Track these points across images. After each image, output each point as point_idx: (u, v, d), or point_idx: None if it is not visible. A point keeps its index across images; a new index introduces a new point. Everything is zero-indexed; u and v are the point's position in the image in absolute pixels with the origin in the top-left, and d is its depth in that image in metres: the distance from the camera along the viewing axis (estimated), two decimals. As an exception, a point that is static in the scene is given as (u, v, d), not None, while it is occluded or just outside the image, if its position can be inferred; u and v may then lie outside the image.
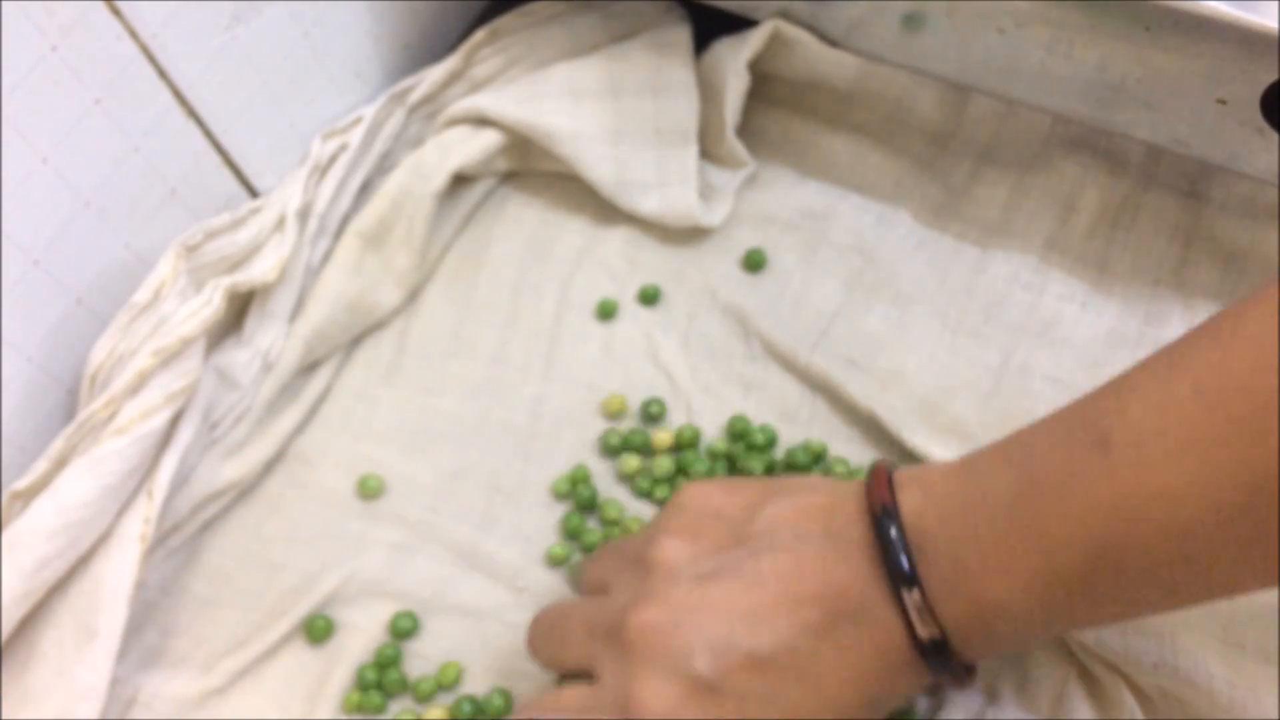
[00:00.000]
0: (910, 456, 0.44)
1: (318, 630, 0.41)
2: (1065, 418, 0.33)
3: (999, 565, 0.32)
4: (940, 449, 0.43)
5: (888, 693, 0.34)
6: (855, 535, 0.34)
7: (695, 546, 0.36)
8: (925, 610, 0.33)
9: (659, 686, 0.33)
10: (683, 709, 0.33)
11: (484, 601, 0.42)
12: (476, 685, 0.41)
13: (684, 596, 0.34)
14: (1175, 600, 0.32)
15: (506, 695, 0.40)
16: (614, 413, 0.46)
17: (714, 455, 0.45)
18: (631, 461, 0.45)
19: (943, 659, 0.33)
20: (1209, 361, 0.30)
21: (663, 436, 0.45)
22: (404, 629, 0.41)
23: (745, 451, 0.45)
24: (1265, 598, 0.41)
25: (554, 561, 0.43)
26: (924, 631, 0.33)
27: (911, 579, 0.33)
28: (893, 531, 0.33)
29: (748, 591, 0.34)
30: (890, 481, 0.35)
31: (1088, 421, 0.32)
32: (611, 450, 0.45)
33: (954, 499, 0.34)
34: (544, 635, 0.38)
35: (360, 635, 0.41)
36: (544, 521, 0.44)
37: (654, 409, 0.46)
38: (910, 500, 0.34)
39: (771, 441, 0.45)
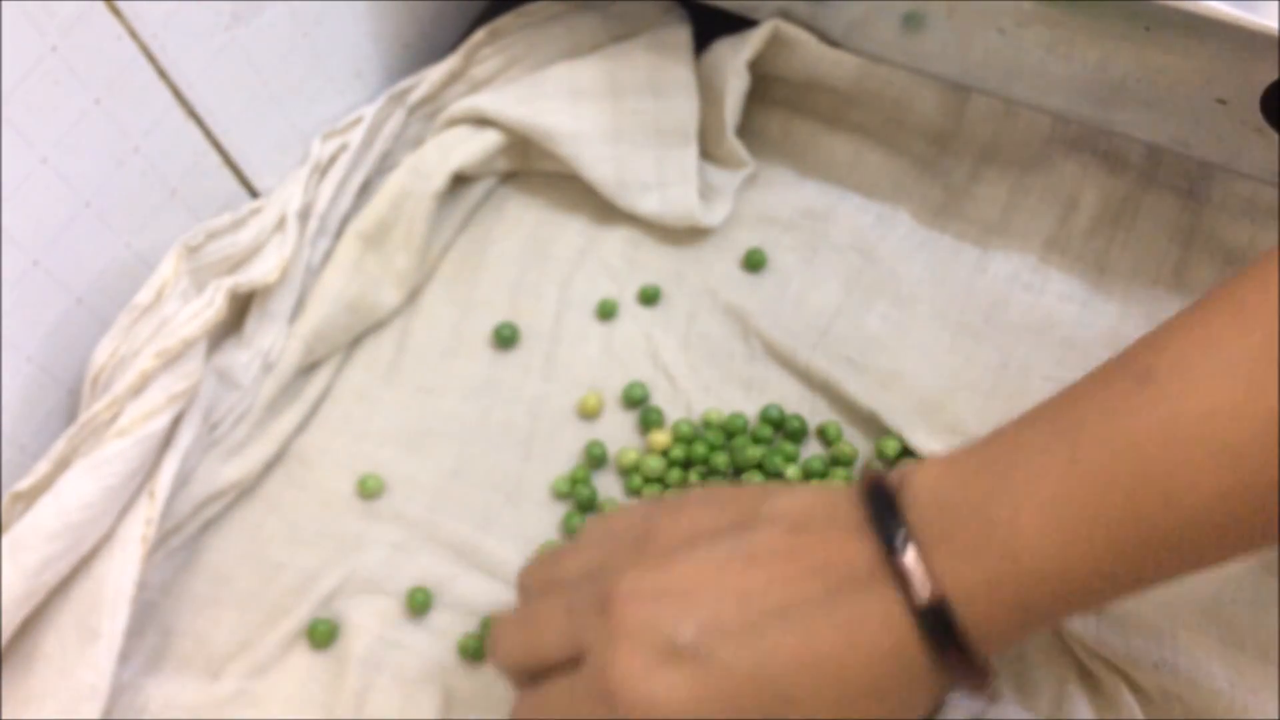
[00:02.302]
0: (910, 456, 0.44)
1: (320, 635, 0.41)
2: (1096, 372, 0.32)
3: (1034, 513, 0.30)
4: (940, 448, 0.43)
5: (893, 680, 0.31)
6: (859, 518, 0.32)
7: (694, 526, 0.34)
8: (923, 573, 0.30)
9: (641, 656, 0.31)
10: (662, 677, 0.31)
11: (483, 600, 0.42)
12: (478, 679, 0.41)
13: (678, 567, 0.33)
14: (1224, 546, 0.30)
15: None
16: (591, 412, 0.46)
17: (710, 431, 0.45)
18: (629, 454, 0.45)
19: (950, 638, 0.30)
20: (1242, 297, 0.30)
21: (659, 438, 0.45)
22: (420, 602, 0.42)
23: (749, 442, 0.45)
24: (1265, 597, 0.41)
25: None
26: (923, 592, 0.30)
27: (893, 535, 0.31)
28: (881, 491, 0.32)
29: (745, 565, 0.32)
30: (893, 467, 0.33)
31: (1124, 364, 0.31)
32: (596, 462, 0.45)
33: (979, 459, 0.32)
34: (515, 630, 0.35)
35: (362, 634, 0.41)
36: (544, 521, 0.44)
37: (636, 392, 0.46)
38: (930, 470, 0.32)
39: (785, 427, 0.45)
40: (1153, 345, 0.31)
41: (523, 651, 0.35)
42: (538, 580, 0.36)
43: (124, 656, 0.39)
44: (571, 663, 0.33)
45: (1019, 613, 0.30)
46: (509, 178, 0.52)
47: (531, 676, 0.35)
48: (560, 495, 0.44)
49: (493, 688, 0.41)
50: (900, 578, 0.30)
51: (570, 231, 0.51)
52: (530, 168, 0.52)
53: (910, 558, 0.30)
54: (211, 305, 0.42)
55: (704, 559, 0.33)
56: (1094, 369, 0.32)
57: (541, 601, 0.35)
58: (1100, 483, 0.30)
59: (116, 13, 0.39)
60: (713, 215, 0.50)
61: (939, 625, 0.30)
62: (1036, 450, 0.31)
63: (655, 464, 0.44)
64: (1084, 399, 0.31)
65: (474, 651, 0.41)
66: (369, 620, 0.42)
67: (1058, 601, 0.31)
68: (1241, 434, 0.29)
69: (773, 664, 0.31)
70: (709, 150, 0.51)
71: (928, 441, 0.44)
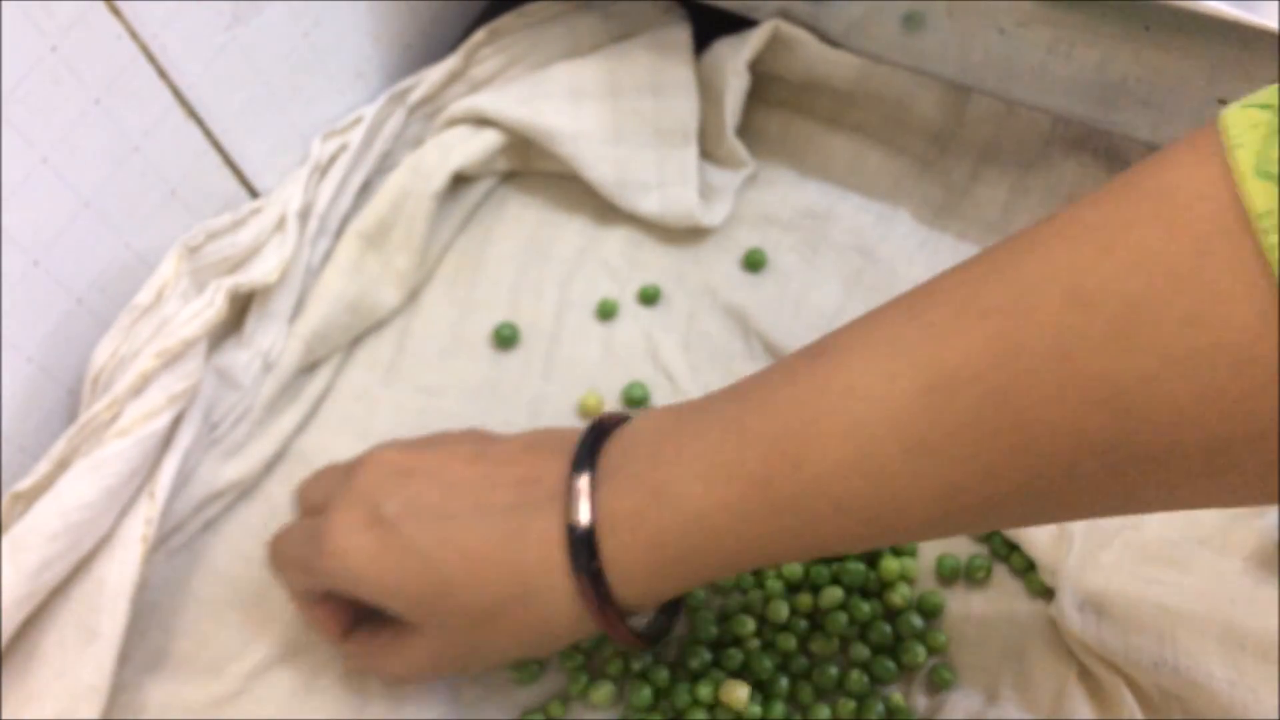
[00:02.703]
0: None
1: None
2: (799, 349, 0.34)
3: (691, 460, 0.32)
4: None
5: (539, 595, 0.34)
6: (573, 447, 0.35)
7: (459, 435, 0.38)
8: (588, 500, 0.33)
9: (354, 515, 0.35)
10: (359, 536, 0.34)
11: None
12: (478, 679, 0.41)
13: (420, 452, 0.36)
14: (844, 525, 0.32)
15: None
16: (591, 411, 0.46)
17: None
18: None
19: (591, 567, 0.33)
20: (921, 289, 0.32)
21: None
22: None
23: None
24: (1265, 597, 0.41)
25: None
26: (579, 516, 0.33)
27: (580, 462, 0.34)
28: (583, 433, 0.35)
29: (469, 462, 0.36)
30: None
31: (815, 343, 0.33)
32: None
33: (679, 411, 0.34)
34: (309, 478, 0.39)
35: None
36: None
37: (635, 392, 0.46)
38: (644, 417, 0.35)
39: None
40: (842, 328, 0.33)
41: (299, 500, 0.39)
42: (304, 498, 0.40)
43: (124, 656, 0.39)
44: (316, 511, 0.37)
45: (655, 550, 0.33)
46: (509, 178, 0.52)
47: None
48: None
49: (495, 687, 0.41)
50: (567, 498, 0.33)
51: (570, 231, 0.51)
52: (530, 168, 0.52)
53: (581, 483, 0.33)
54: (212, 305, 0.42)
55: (442, 450, 0.37)
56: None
57: (332, 466, 0.39)
58: (747, 440, 0.32)
59: (116, 13, 0.39)
60: (713, 215, 0.50)
61: (584, 551, 0.33)
62: (719, 408, 0.33)
63: None
64: (774, 370, 0.34)
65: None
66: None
67: (694, 550, 0.33)
68: (871, 412, 0.30)
69: (443, 550, 0.34)
70: (709, 150, 0.51)
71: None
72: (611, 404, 0.47)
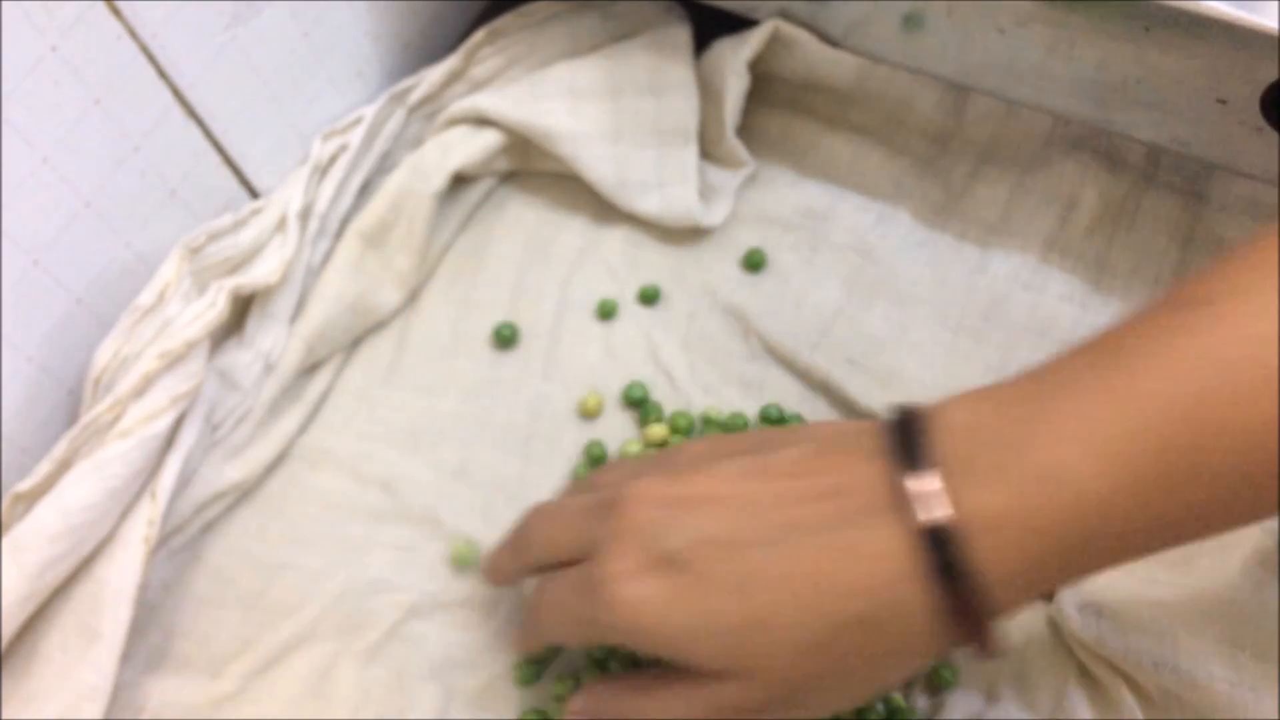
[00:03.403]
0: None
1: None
2: (1138, 310, 0.29)
3: (1076, 439, 0.28)
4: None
5: (885, 616, 0.29)
6: (884, 444, 0.30)
7: (717, 448, 0.34)
8: (942, 496, 0.28)
9: (631, 559, 0.31)
10: (643, 582, 0.31)
11: (487, 599, 0.42)
12: (478, 679, 0.41)
13: (691, 477, 0.32)
14: (1273, 490, 0.27)
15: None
16: (591, 412, 0.46)
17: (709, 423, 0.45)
18: (632, 445, 0.45)
19: (956, 573, 0.28)
20: None
21: (656, 430, 0.45)
22: (465, 556, 0.43)
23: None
24: (1265, 597, 0.41)
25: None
26: (937, 514, 0.28)
27: (915, 458, 0.29)
28: (903, 420, 0.30)
29: (756, 478, 0.31)
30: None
31: (1175, 295, 0.29)
32: (596, 461, 0.45)
33: (1015, 390, 0.30)
34: (540, 519, 0.37)
35: (362, 634, 0.41)
36: (545, 521, 0.44)
37: (635, 392, 0.46)
38: (962, 403, 0.30)
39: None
40: (1207, 276, 0.29)
41: (543, 536, 0.35)
42: (588, 483, 0.38)
43: (125, 656, 0.39)
44: (577, 558, 0.34)
45: (1039, 545, 0.28)
46: (509, 177, 0.52)
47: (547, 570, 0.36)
48: None
49: (493, 687, 0.41)
50: (911, 501, 0.28)
51: (570, 231, 0.51)
52: (530, 167, 0.52)
53: (927, 480, 0.28)
54: (214, 306, 0.42)
55: (717, 471, 0.32)
56: (1132, 311, 0.30)
57: (573, 498, 0.36)
58: (1151, 407, 0.27)
59: (116, 13, 0.39)
60: (713, 216, 0.50)
61: (945, 557, 0.28)
62: (1082, 377, 0.29)
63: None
64: (1132, 330, 0.29)
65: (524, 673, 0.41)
66: (368, 620, 0.42)
67: (1088, 540, 0.28)
68: None
69: (756, 582, 0.30)
70: (709, 150, 0.51)
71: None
72: (612, 404, 0.47)
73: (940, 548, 0.28)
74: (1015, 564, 0.28)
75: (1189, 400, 0.27)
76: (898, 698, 0.40)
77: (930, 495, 0.28)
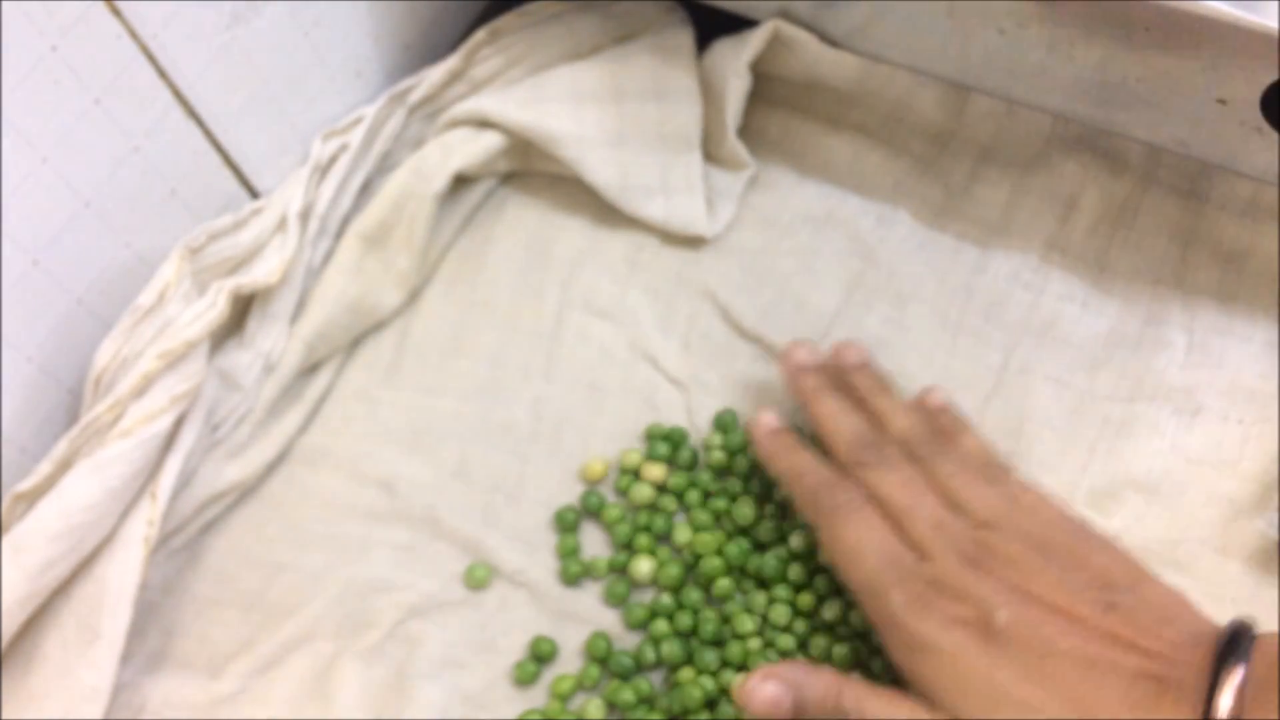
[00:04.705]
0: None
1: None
2: None
3: None
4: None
5: None
6: (1212, 634, 0.34)
7: (1074, 571, 0.36)
8: (1233, 692, 0.31)
9: (962, 601, 0.35)
10: (955, 628, 0.34)
11: (487, 599, 0.42)
12: (478, 679, 0.41)
13: (1049, 576, 0.35)
14: None
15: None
16: (594, 478, 0.45)
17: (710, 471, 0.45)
18: (632, 456, 0.45)
19: None
20: None
21: (654, 469, 0.44)
22: (479, 578, 0.43)
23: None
24: (1266, 596, 0.41)
25: (556, 558, 0.43)
26: (1214, 712, 0.31)
27: (1234, 657, 0.32)
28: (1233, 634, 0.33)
29: (1087, 608, 0.34)
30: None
31: None
32: (593, 508, 0.44)
33: None
34: (908, 482, 0.39)
35: (362, 634, 0.41)
36: (544, 521, 0.44)
37: (675, 437, 0.45)
38: None
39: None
40: None
41: (888, 499, 0.38)
42: (935, 467, 0.39)
43: (125, 656, 0.39)
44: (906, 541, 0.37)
45: None
46: (509, 178, 0.52)
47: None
48: (563, 526, 0.44)
49: (493, 687, 0.41)
50: (1218, 694, 0.31)
51: (571, 232, 0.51)
52: (531, 168, 0.51)
53: (1233, 676, 0.31)
54: (214, 307, 0.42)
55: (1073, 590, 0.35)
56: None
57: (930, 494, 0.38)
58: None
59: (116, 13, 0.39)
60: (716, 223, 0.50)
61: None
62: None
63: (646, 492, 0.44)
64: None
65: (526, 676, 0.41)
66: (368, 620, 0.42)
67: None
68: None
69: (1045, 680, 0.33)
70: (710, 151, 0.51)
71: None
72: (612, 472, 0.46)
73: None
74: None
75: None
76: None
77: (1228, 688, 0.31)
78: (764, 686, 0.36)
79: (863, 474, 0.39)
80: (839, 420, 0.41)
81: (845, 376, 0.43)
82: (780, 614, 0.41)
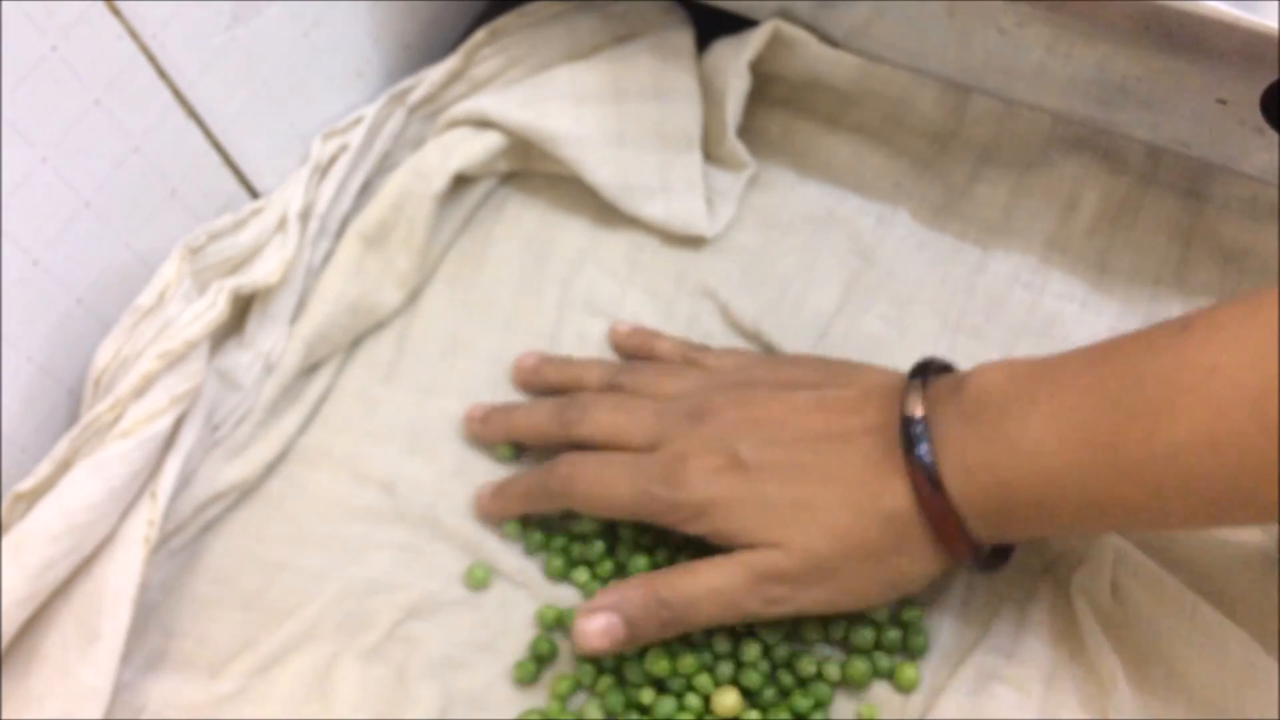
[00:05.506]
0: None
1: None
2: (1155, 324, 0.35)
3: (1045, 418, 0.34)
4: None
5: (898, 519, 0.37)
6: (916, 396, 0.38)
7: (787, 378, 0.42)
8: (923, 399, 0.37)
9: (712, 459, 0.39)
10: (720, 478, 0.38)
11: (487, 599, 0.42)
12: (478, 679, 0.41)
13: (765, 402, 0.40)
14: (1190, 502, 0.33)
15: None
16: (549, 623, 0.42)
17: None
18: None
19: (943, 505, 0.35)
20: None
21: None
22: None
23: None
24: (1266, 595, 0.41)
25: (554, 559, 0.43)
26: (926, 458, 0.36)
27: (918, 372, 0.38)
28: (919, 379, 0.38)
29: (813, 408, 0.39)
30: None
31: (1177, 319, 0.34)
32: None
33: (1029, 368, 0.36)
34: (607, 411, 0.42)
35: (362, 634, 0.41)
36: (544, 521, 0.44)
37: None
38: (988, 370, 0.37)
39: None
40: (1215, 306, 0.34)
41: (608, 429, 0.41)
42: (634, 382, 0.43)
43: (125, 656, 0.39)
44: (641, 448, 0.40)
45: (1004, 495, 0.35)
46: (509, 178, 0.52)
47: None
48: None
49: (493, 687, 0.41)
50: (914, 442, 0.36)
51: (571, 232, 0.51)
52: (531, 168, 0.51)
53: (917, 428, 0.36)
54: (214, 307, 0.42)
55: (785, 399, 0.40)
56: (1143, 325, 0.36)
57: (637, 399, 0.42)
58: (1102, 405, 0.33)
59: (116, 13, 0.39)
60: (716, 223, 0.50)
61: (937, 491, 0.36)
62: (1074, 370, 0.35)
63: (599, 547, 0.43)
64: (1129, 339, 0.35)
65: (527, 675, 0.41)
66: (368, 620, 0.42)
67: (1039, 503, 0.35)
68: (1233, 394, 0.31)
69: (802, 476, 0.38)
70: (710, 151, 0.51)
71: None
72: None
73: (930, 479, 0.36)
74: (985, 503, 0.36)
75: (1128, 408, 0.33)
76: (914, 613, 0.40)
77: (928, 442, 0.36)
78: (593, 621, 0.38)
79: (574, 431, 0.42)
80: (530, 415, 0.44)
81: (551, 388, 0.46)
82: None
